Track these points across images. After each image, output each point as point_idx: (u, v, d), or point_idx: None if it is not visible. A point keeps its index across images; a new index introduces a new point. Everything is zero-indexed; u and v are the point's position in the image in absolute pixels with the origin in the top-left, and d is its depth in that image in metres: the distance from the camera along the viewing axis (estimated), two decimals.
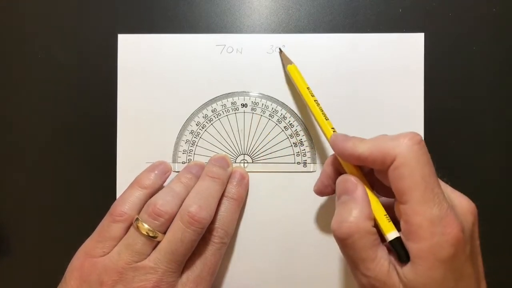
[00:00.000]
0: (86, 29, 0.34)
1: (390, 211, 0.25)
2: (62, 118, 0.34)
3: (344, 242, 0.24)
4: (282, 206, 0.33)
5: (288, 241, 0.33)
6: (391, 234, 0.24)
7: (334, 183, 0.27)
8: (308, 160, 0.33)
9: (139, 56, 0.34)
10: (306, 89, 0.30)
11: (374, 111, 0.33)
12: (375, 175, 0.26)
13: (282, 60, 0.33)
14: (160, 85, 0.34)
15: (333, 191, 0.28)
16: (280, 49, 0.33)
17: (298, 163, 0.33)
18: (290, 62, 0.32)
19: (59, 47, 0.34)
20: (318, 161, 0.33)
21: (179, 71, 0.33)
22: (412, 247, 0.23)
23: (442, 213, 0.22)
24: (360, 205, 0.24)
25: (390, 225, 0.24)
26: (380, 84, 0.33)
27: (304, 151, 0.33)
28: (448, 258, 0.22)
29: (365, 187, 0.25)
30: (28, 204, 0.34)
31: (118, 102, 0.34)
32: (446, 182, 0.26)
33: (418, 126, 0.33)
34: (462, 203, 0.24)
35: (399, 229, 0.24)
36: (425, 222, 0.22)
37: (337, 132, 0.28)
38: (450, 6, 0.33)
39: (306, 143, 0.33)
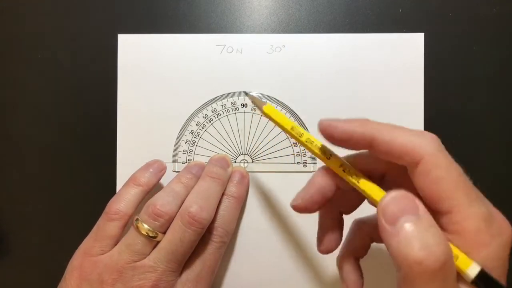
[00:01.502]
0: (86, 29, 0.34)
1: None
2: (62, 118, 0.34)
3: (436, 274, 0.17)
4: (282, 206, 0.33)
5: (287, 241, 0.33)
6: (472, 268, 0.19)
7: (325, 200, 0.23)
8: (308, 160, 0.33)
9: (139, 56, 0.34)
10: (291, 129, 0.24)
11: (374, 111, 0.33)
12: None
13: (254, 103, 0.28)
14: (160, 85, 0.34)
15: (318, 209, 0.24)
16: (245, 92, 0.31)
17: (298, 163, 0.33)
18: (264, 103, 0.26)
19: (59, 47, 0.34)
20: (318, 161, 0.33)
21: (179, 71, 0.33)
22: (475, 258, 0.19)
23: (492, 211, 0.19)
24: (436, 225, 0.18)
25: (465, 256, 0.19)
26: (380, 84, 0.33)
27: (304, 151, 0.33)
28: (508, 258, 0.19)
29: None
30: (28, 204, 0.34)
31: (118, 102, 0.34)
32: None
33: (418, 126, 0.33)
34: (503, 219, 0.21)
35: None
36: (482, 225, 0.19)
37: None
38: (450, 6, 0.33)
39: None
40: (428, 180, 0.19)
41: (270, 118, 0.25)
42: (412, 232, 0.18)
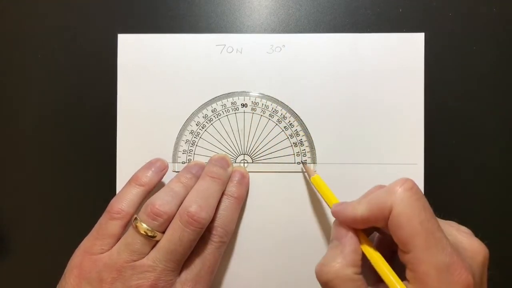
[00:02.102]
0: (86, 29, 0.34)
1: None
2: (62, 118, 0.34)
3: (324, 286, 0.24)
4: (282, 206, 0.33)
5: (288, 241, 0.33)
6: None
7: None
8: (308, 160, 0.33)
9: (139, 56, 0.34)
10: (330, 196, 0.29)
11: (374, 111, 0.33)
12: (381, 230, 0.26)
13: (305, 170, 0.33)
14: (160, 85, 0.34)
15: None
16: (303, 163, 0.33)
17: (298, 163, 0.33)
18: (313, 174, 0.32)
19: (59, 47, 0.34)
20: (318, 161, 0.33)
21: (179, 71, 0.33)
22: None
23: (448, 259, 0.21)
24: (346, 252, 0.24)
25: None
26: (380, 84, 0.33)
27: (304, 151, 0.33)
28: None
29: (361, 236, 0.25)
30: (28, 204, 0.34)
31: (118, 102, 0.34)
32: (453, 220, 0.25)
33: (418, 126, 0.33)
34: (473, 245, 0.24)
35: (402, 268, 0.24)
36: (432, 270, 0.21)
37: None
38: (450, 6, 0.33)
39: (306, 143, 0.33)
40: (393, 226, 0.23)
41: (316, 188, 0.31)
42: (327, 251, 0.25)
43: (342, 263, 0.24)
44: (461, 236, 0.24)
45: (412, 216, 0.22)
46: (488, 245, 0.24)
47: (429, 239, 0.22)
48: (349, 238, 0.25)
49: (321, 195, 0.30)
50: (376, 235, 0.29)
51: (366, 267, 0.25)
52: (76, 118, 0.34)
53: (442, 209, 0.33)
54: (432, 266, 0.21)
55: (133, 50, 0.34)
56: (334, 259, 0.24)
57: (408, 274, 0.23)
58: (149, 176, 0.31)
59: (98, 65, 0.34)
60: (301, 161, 0.33)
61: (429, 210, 0.23)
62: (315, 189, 0.32)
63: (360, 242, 0.25)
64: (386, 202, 0.23)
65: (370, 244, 0.25)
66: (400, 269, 0.24)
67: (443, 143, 0.33)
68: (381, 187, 0.25)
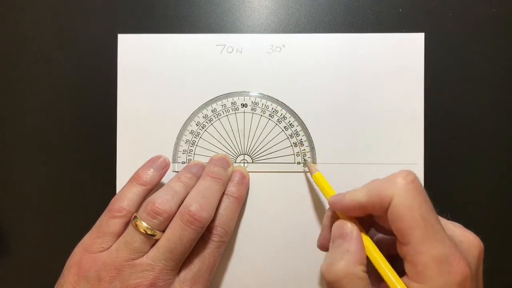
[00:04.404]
0: (86, 29, 0.34)
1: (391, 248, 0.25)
2: (62, 118, 0.34)
3: (332, 286, 0.24)
4: (282, 206, 0.33)
5: (287, 241, 0.33)
6: None
7: None
8: (308, 160, 0.33)
9: (139, 56, 0.34)
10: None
11: (374, 111, 0.33)
12: (377, 222, 0.26)
13: (308, 168, 0.33)
14: (160, 85, 0.34)
15: None
16: (305, 159, 0.33)
17: (298, 163, 0.33)
18: (315, 171, 0.31)
19: (59, 47, 0.34)
20: (318, 161, 0.33)
21: (179, 71, 0.34)
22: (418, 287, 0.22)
23: (447, 250, 0.22)
24: (353, 250, 0.24)
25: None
26: (380, 84, 0.33)
27: (304, 151, 0.33)
28: None
29: (362, 234, 0.25)
30: (28, 204, 0.34)
31: (118, 102, 0.34)
32: (447, 217, 0.25)
33: (418, 126, 0.33)
34: (468, 238, 0.24)
35: (403, 269, 0.23)
36: (431, 261, 0.22)
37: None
38: (450, 6, 0.33)
39: (306, 143, 0.33)
40: (393, 216, 0.23)
41: (317, 185, 0.31)
42: (331, 250, 0.25)
43: (350, 261, 0.24)
44: (457, 229, 0.25)
45: (413, 208, 0.22)
46: (486, 242, 0.25)
47: (428, 231, 0.22)
48: (355, 236, 0.25)
49: (322, 193, 0.30)
50: (374, 237, 0.29)
51: (369, 266, 0.25)
52: (76, 118, 0.34)
53: (442, 209, 0.33)
54: (431, 257, 0.22)
55: (133, 50, 0.34)
56: (341, 258, 0.24)
57: (407, 266, 0.23)
58: (150, 175, 0.31)
59: (98, 65, 0.34)
60: (303, 158, 0.33)
61: (429, 203, 0.23)
62: (315, 187, 0.32)
63: None
64: (386, 191, 0.23)
65: (371, 242, 0.25)
66: (399, 272, 0.24)
67: (443, 143, 0.33)
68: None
